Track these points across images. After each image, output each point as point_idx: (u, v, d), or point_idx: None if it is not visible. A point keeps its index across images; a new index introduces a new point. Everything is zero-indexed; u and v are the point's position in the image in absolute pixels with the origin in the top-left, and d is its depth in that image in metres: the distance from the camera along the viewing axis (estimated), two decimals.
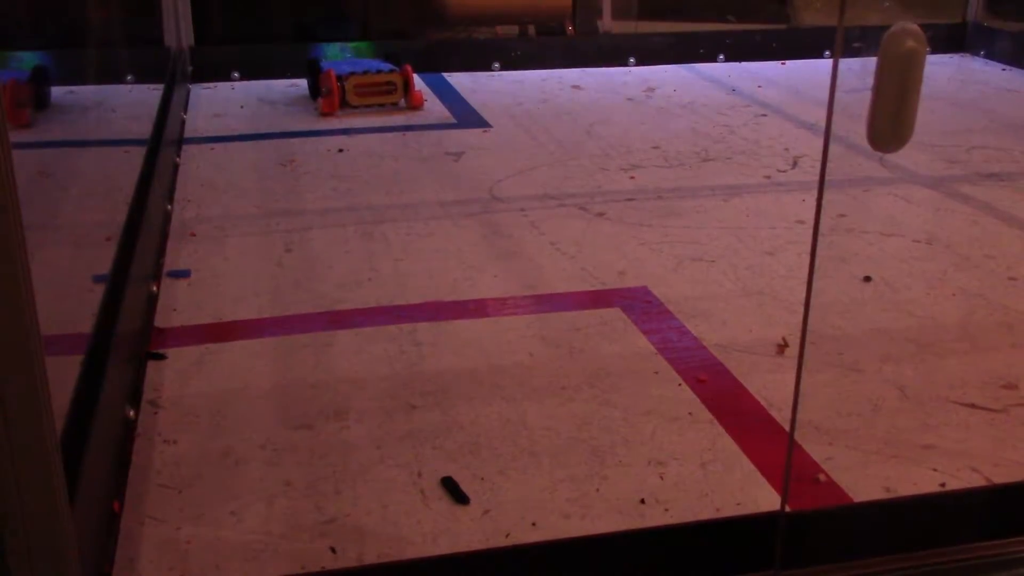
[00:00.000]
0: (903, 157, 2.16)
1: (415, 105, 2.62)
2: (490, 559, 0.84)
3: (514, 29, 3.94)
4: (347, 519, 0.97)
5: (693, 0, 3.89)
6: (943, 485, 1.05)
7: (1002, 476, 1.06)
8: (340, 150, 2.25)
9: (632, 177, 2.07)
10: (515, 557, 0.84)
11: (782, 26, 3.43)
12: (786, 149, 2.29)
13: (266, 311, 1.44)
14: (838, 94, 0.94)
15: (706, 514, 0.98)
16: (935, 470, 1.08)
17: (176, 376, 1.25)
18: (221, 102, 2.71)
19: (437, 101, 2.73)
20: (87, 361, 1.02)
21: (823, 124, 0.89)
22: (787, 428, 1.14)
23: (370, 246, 1.68)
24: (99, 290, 1.23)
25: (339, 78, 2.54)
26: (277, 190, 1.99)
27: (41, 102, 2.34)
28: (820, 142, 1.73)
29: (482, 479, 1.04)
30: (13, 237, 0.58)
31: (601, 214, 1.85)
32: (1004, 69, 3.20)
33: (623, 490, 1.03)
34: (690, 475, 1.06)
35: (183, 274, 1.57)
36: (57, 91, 2.45)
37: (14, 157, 0.58)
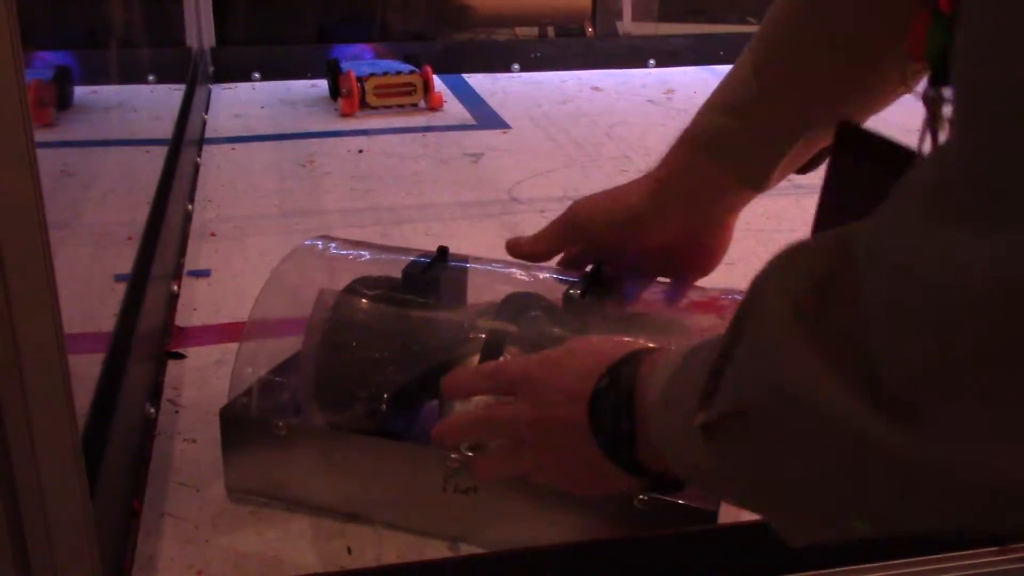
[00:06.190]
0: None
1: (435, 106, 2.62)
2: (508, 560, 0.84)
3: (533, 30, 3.95)
4: (365, 519, 0.97)
5: (714, 2, 3.89)
6: None
7: None
8: (360, 151, 2.26)
9: None
10: (536, 558, 0.84)
11: None
12: None
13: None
14: None
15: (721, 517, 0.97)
16: None
17: (196, 375, 1.26)
18: (242, 102, 2.72)
19: (456, 102, 2.73)
20: (108, 359, 1.03)
21: None
22: None
23: None
24: (120, 289, 1.23)
25: (359, 79, 2.55)
26: (297, 190, 1.99)
27: (64, 102, 2.36)
28: None
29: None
30: (37, 236, 0.58)
31: None
32: None
33: None
34: None
35: (203, 273, 1.58)
36: (80, 91, 2.47)
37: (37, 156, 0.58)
